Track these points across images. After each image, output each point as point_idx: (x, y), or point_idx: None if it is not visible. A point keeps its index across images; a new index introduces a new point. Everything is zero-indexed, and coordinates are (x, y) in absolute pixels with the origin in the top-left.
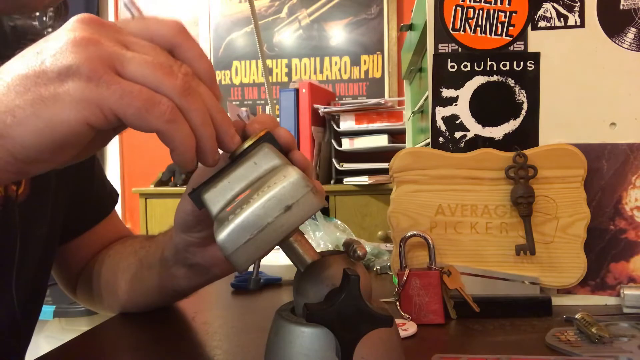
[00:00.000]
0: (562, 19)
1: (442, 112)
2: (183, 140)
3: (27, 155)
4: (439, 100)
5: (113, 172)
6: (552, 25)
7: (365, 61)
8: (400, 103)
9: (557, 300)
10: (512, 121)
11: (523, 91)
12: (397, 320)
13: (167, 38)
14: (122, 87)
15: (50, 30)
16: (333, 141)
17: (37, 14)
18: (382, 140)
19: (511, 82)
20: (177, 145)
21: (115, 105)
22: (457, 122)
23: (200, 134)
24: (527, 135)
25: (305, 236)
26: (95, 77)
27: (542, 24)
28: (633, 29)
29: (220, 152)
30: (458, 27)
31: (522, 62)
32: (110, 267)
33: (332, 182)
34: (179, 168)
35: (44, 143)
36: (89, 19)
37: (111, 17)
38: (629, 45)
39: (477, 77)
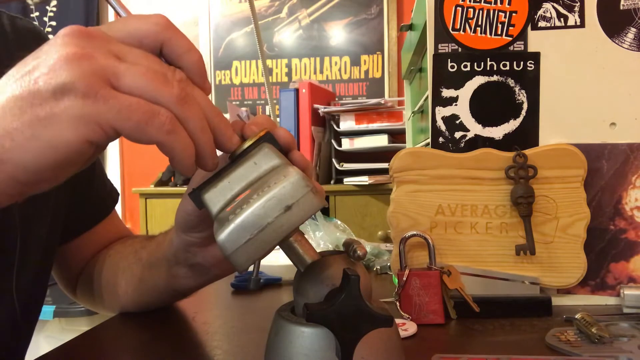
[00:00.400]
0: (562, 19)
1: (442, 112)
2: (183, 149)
3: (29, 178)
4: (439, 100)
5: (113, 172)
6: (552, 25)
7: (365, 61)
8: (400, 103)
9: (557, 300)
10: (512, 121)
11: (523, 91)
12: (397, 320)
13: (154, 36)
14: (119, 102)
15: (50, 29)
16: (333, 141)
17: (38, 14)
18: (382, 140)
19: (511, 82)
20: (177, 154)
21: (114, 120)
22: (457, 122)
23: (199, 140)
24: (527, 135)
25: (305, 236)
26: (91, 93)
27: (542, 24)
28: (633, 29)
29: (221, 153)
30: (458, 27)
31: (522, 62)
32: (111, 267)
33: (332, 182)
34: None
35: (45, 164)
36: (78, 32)
37: (111, 17)
38: (629, 45)
39: (477, 77)
